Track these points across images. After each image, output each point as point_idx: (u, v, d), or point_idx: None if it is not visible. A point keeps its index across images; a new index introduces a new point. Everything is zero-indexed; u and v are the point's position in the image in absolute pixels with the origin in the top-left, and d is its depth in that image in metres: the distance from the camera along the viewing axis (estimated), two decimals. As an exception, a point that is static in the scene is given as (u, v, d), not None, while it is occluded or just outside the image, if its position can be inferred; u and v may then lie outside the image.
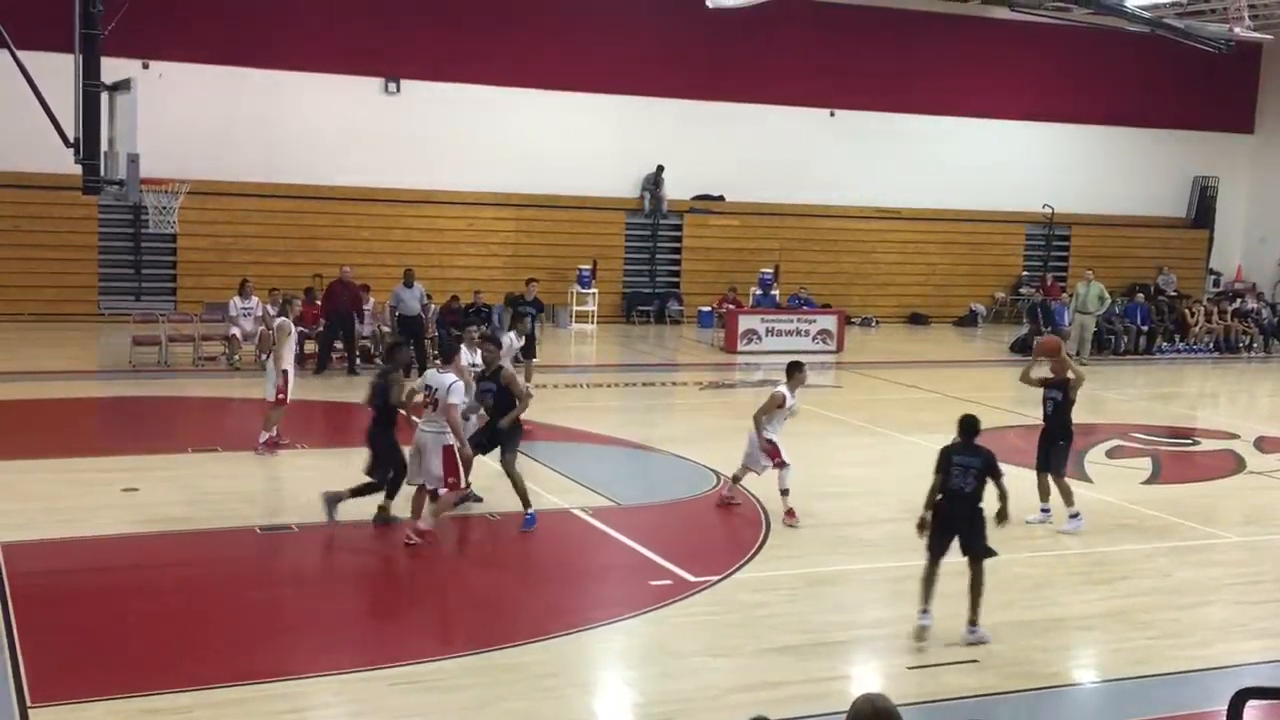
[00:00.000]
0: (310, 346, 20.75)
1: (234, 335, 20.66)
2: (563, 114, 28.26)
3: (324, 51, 26.21)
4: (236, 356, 20.59)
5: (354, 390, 18.98)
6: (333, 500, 11.47)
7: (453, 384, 11.09)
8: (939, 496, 9.48)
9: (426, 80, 27.15)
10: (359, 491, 11.53)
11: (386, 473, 11.60)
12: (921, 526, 9.50)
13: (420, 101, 27.15)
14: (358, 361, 20.72)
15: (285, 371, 14.60)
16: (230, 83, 25.73)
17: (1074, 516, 12.53)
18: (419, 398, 11.62)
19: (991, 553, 9.52)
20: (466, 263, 26.81)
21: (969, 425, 9.67)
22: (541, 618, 9.72)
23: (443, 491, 11.18)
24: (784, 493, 12.42)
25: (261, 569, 10.86)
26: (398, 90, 27.11)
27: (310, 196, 26.40)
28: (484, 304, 22.22)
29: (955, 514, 9.43)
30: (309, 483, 12.60)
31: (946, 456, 9.53)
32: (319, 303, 21.09)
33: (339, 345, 20.73)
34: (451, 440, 11.09)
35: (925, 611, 9.43)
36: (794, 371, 12.70)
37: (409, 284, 20.85)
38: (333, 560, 11.22)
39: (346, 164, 26.61)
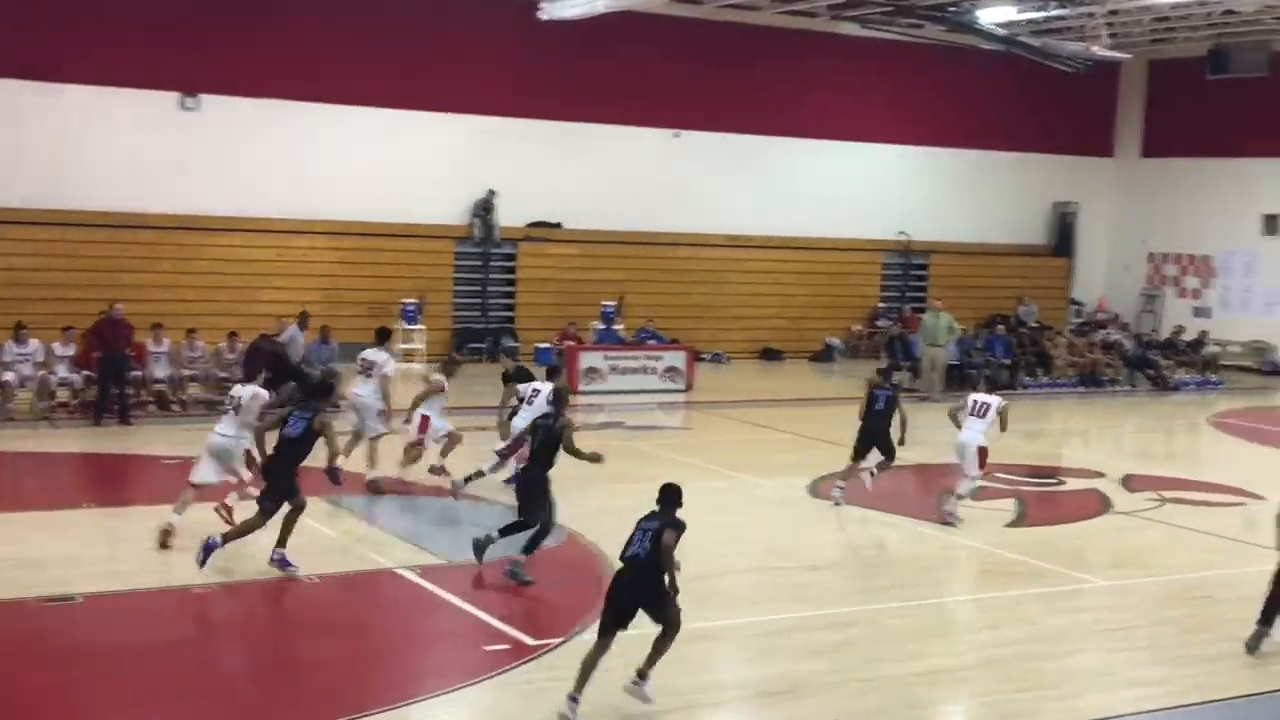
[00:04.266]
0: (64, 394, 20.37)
1: (7, 382, 19.88)
2: (384, 134, 27.97)
3: (111, 63, 25.43)
4: (9, 405, 19.81)
5: (128, 441, 18.47)
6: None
7: (255, 393, 13.11)
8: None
9: (231, 95, 26.57)
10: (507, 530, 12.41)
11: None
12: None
13: (223, 119, 26.55)
14: (151, 408, 20.23)
15: None
16: (2, 99, 24.82)
17: None
18: None
19: (676, 609, 9.19)
20: (278, 296, 26.23)
21: (667, 494, 9.39)
22: (363, 691, 9.50)
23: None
24: None
25: (42, 646, 10.37)
26: (197, 106, 26.50)
27: (100, 225, 25.54)
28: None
29: (638, 582, 9.14)
30: (97, 545, 12.17)
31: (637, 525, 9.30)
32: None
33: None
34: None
35: (575, 699, 8.91)
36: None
37: (304, 326, 21.61)
38: (123, 634, 10.77)
39: (140, 188, 25.85)
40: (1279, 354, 32.76)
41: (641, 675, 9.15)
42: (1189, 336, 31.88)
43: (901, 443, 16.00)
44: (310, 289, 26.83)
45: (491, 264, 29.59)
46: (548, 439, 12.44)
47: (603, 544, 13.32)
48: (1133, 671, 10.60)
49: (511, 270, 29.85)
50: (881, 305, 33.51)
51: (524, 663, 10.08)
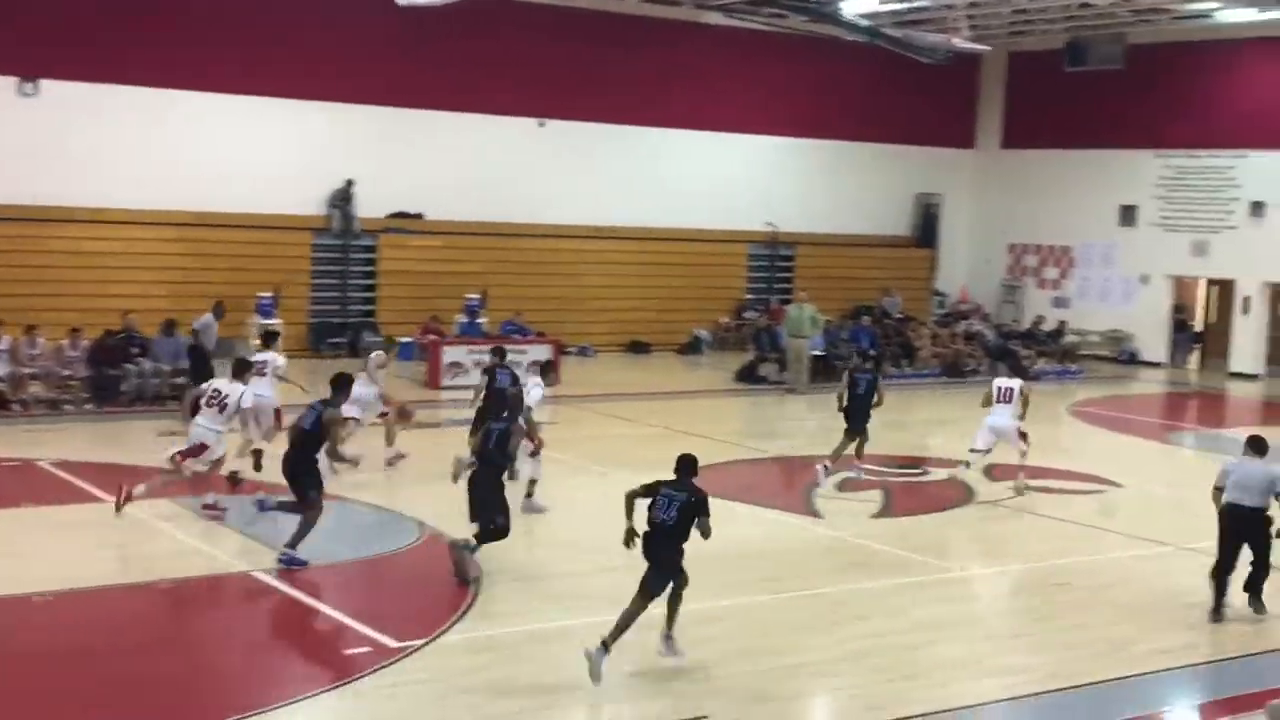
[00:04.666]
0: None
1: None
2: (237, 121, 27.41)
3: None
4: None
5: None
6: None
7: (243, 393, 14.05)
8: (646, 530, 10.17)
9: (72, 80, 25.81)
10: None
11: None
12: (628, 539, 10.27)
13: (65, 104, 25.75)
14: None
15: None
16: None
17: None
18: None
19: (671, 584, 10.18)
20: (124, 291, 25.56)
21: (684, 464, 10.37)
22: (219, 699, 9.34)
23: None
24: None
25: None
26: (36, 92, 25.70)
27: (-70, 215, 24.70)
28: (134, 331, 21.53)
29: (661, 546, 10.10)
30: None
31: (657, 485, 10.31)
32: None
33: None
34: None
35: (606, 647, 9.81)
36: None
37: (219, 315, 21.29)
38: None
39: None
40: (1136, 343, 33.84)
41: (667, 637, 10.28)
42: (1049, 327, 32.83)
43: (878, 403, 17.66)
44: (160, 282, 26.24)
45: (351, 256, 29.19)
46: (502, 440, 12.58)
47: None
48: (996, 659, 10.87)
49: (372, 263, 29.48)
50: (749, 297, 33.83)
51: (386, 665, 9.99)
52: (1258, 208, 31.39)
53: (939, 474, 18.41)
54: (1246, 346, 32.09)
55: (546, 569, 12.73)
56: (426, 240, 29.69)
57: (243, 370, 14.68)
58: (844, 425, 17.68)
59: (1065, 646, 11.30)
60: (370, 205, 28.92)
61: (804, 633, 11.30)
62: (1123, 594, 12.94)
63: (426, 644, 10.46)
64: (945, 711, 9.64)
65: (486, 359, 25.00)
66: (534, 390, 15.24)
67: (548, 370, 15.86)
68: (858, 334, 29.13)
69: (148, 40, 26.31)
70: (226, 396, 14.00)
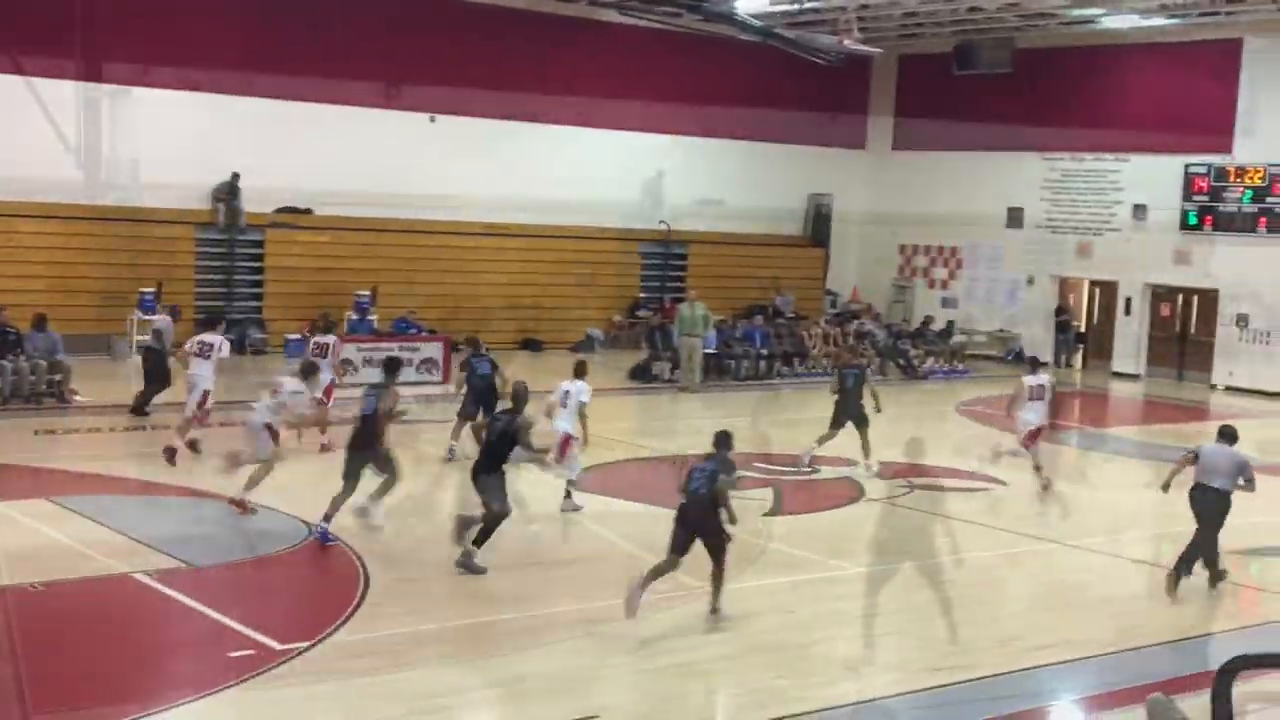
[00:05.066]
0: None
1: None
2: (119, 111, 26.80)
3: None
4: None
5: None
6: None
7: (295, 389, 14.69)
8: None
9: (-55, 67, 25.11)
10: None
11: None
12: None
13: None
14: None
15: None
16: None
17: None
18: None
19: (727, 539, 11.29)
20: (1, 285, 24.90)
21: (720, 439, 11.53)
22: (93, 705, 9.08)
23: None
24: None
25: None
26: (-98, 78, 24.91)
27: None
28: (8, 324, 20.96)
29: (691, 514, 11.17)
30: None
31: (692, 467, 11.41)
32: None
33: None
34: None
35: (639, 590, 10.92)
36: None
37: (176, 317, 21.49)
38: None
39: None
40: (1022, 343, 34.43)
41: (714, 610, 11.27)
42: (938, 326, 33.28)
43: (878, 410, 18.66)
44: (37, 277, 25.57)
45: (237, 251, 28.66)
46: (505, 435, 12.66)
47: (355, 543, 13.05)
48: (887, 655, 10.96)
49: (259, 258, 28.99)
50: (642, 295, 33.86)
51: (270, 669, 9.79)
52: (1139, 211, 32.12)
53: (830, 472, 18.54)
54: (1128, 347, 32.82)
55: (436, 569, 12.57)
56: (315, 236, 29.27)
57: (310, 371, 15.57)
58: (848, 421, 18.46)
59: (953, 642, 11.43)
60: (257, 199, 28.43)
61: (694, 631, 11.28)
62: (1009, 590, 13.12)
63: (311, 646, 10.27)
64: (835, 708, 9.69)
65: (376, 356, 24.98)
66: (583, 394, 15.56)
67: (583, 371, 15.95)
68: (751, 333, 29.29)
69: (26, 25, 25.61)
70: (282, 384, 14.88)
